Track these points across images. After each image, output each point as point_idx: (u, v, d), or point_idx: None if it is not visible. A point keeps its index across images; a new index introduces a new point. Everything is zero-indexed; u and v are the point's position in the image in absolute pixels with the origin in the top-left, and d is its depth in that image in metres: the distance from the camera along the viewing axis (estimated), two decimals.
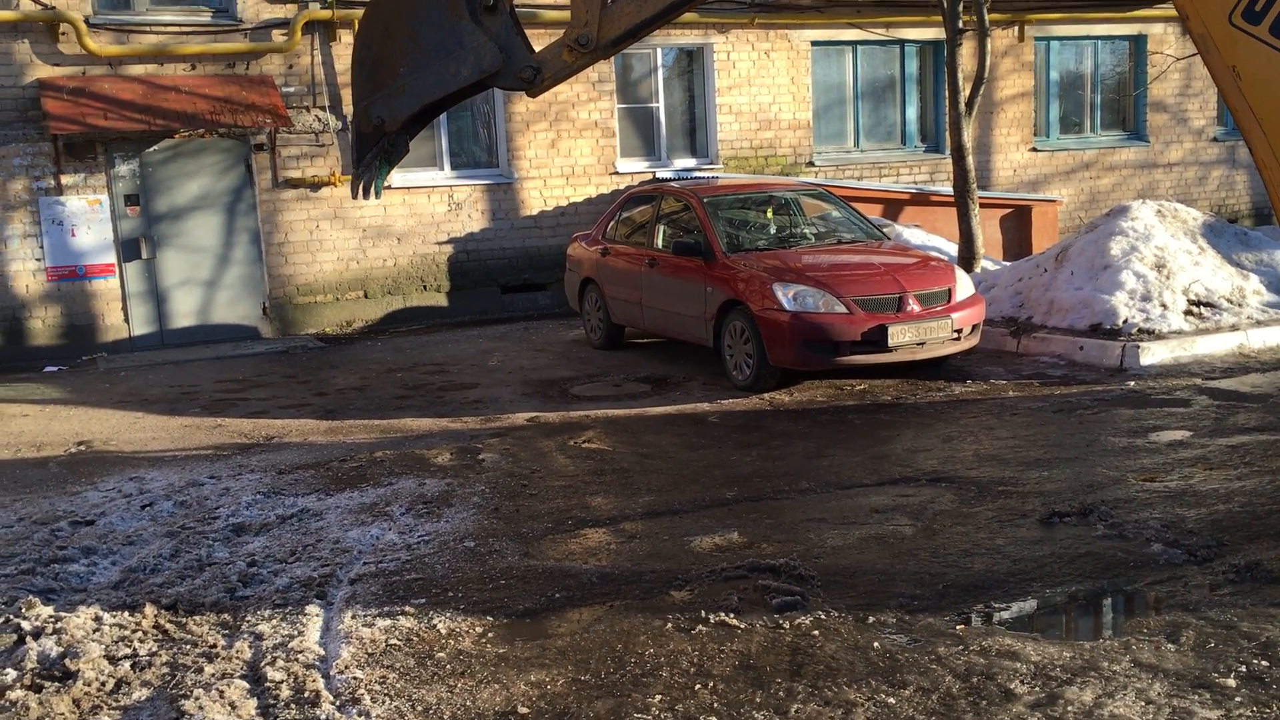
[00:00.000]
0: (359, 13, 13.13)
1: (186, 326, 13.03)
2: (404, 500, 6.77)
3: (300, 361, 11.93)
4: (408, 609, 5.02)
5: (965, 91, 12.13)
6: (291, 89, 13.20)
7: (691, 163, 15.32)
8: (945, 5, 11.89)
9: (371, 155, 5.34)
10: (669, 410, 8.93)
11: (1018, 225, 15.58)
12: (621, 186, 14.67)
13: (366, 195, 5.52)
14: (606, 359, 11.25)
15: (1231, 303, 9.87)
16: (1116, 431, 7.41)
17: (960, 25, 11.93)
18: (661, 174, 14.68)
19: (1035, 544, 5.39)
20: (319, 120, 13.36)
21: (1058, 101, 17.53)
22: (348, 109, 13.41)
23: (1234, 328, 9.59)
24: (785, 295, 8.99)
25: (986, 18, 12.00)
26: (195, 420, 9.36)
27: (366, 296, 13.86)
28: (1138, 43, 17.81)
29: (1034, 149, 17.19)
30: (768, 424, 8.31)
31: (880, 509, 6.12)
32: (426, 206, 14.01)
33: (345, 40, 13.31)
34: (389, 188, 13.71)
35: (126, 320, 12.75)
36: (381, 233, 13.83)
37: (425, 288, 14.11)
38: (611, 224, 11.70)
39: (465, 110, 14.34)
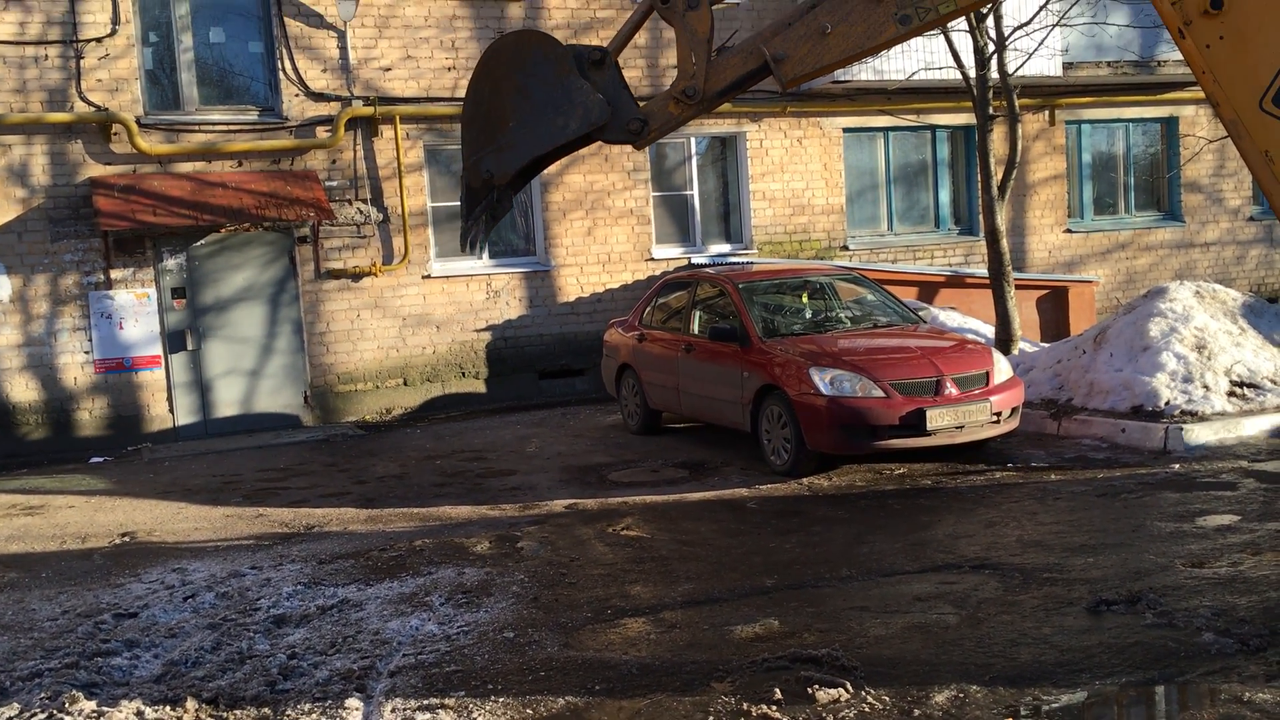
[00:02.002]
0: (402, 108, 13.54)
1: (230, 416, 13.20)
2: (443, 590, 6.77)
3: (340, 449, 12.03)
4: (447, 702, 5.00)
5: (997, 175, 12.22)
6: (334, 183, 13.51)
7: (726, 248, 15.47)
8: (975, 93, 12.05)
9: (480, 209, 5.41)
10: (707, 496, 8.91)
11: (1054, 306, 15.57)
12: (657, 272, 14.82)
13: (474, 249, 5.62)
14: (644, 444, 11.26)
15: (1275, 383, 9.77)
16: (1162, 516, 7.31)
17: (990, 111, 12.06)
18: (696, 260, 14.83)
19: (1083, 633, 5.30)
20: (360, 212, 13.64)
21: (1091, 183, 17.59)
22: (389, 201, 13.72)
23: (1278, 409, 9.47)
24: (822, 380, 9.00)
25: (1016, 104, 12.13)
26: (237, 510, 9.43)
27: (406, 384, 13.99)
28: (1169, 125, 17.90)
29: (1068, 230, 17.22)
30: (806, 509, 8.27)
31: (923, 597, 6.05)
32: (465, 294, 14.21)
33: (386, 135, 13.67)
34: (428, 277, 13.94)
35: (171, 410, 12.95)
36: (421, 321, 14.01)
37: (464, 374, 14.24)
38: (648, 310, 11.81)
39: None
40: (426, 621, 6.21)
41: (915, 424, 8.80)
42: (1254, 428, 9.28)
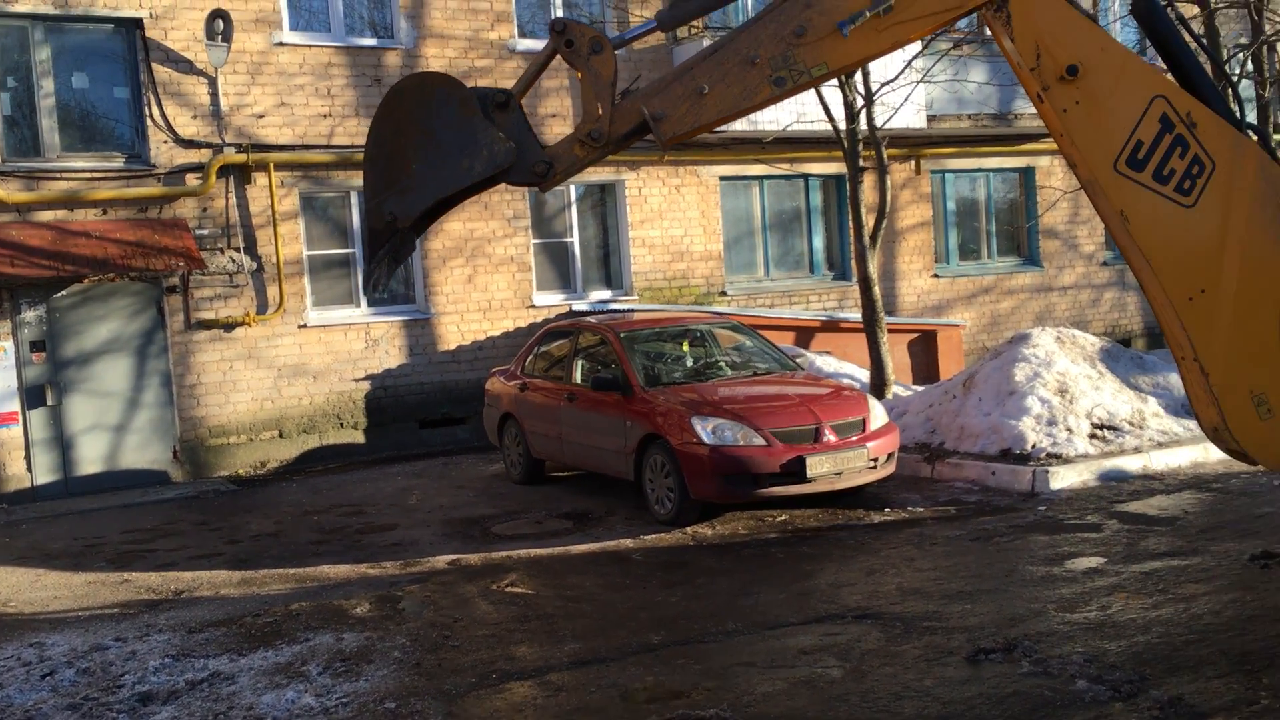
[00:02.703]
0: (276, 155, 13.28)
1: (93, 474, 12.65)
2: (321, 658, 6.58)
3: (212, 507, 11.63)
4: None
5: (869, 224, 12.57)
6: (205, 231, 13.15)
7: (607, 294, 15.53)
8: (846, 145, 12.39)
9: (384, 252, 5.30)
10: (592, 548, 8.87)
11: (924, 349, 16.04)
12: (539, 320, 14.79)
13: (378, 290, 5.51)
14: (527, 494, 11.17)
15: (1133, 425, 10.21)
16: (1033, 560, 7.54)
17: (860, 163, 12.42)
18: (577, 306, 14.85)
19: (963, 684, 5.41)
20: (233, 261, 13.30)
21: (955, 230, 18.23)
22: (263, 249, 13.41)
23: (1137, 450, 9.90)
24: (704, 429, 9.07)
25: (885, 155, 12.51)
26: (100, 575, 9.02)
27: (282, 436, 13.63)
28: (1027, 174, 18.68)
29: (935, 275, 17.78)
30: (691, 560, 8.29)
31: (808, 650, 6.11)
32: (343, 343, 13.94)
33: (260, 183, 13.39)
34: (304, 326, 13.65)
35: (30, 469, 12.35)
36: (297, 371, 13.69)
37: (342, 425, 13.95)
38: (530, 359, 11.76)
39: None
40: (303, 694, 6.02)
41: (796, 471, 8.92)
42: (1115, 469, 9.66)
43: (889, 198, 12.64)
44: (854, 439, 9.26)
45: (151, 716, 5.80)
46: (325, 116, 13.85)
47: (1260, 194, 5.36)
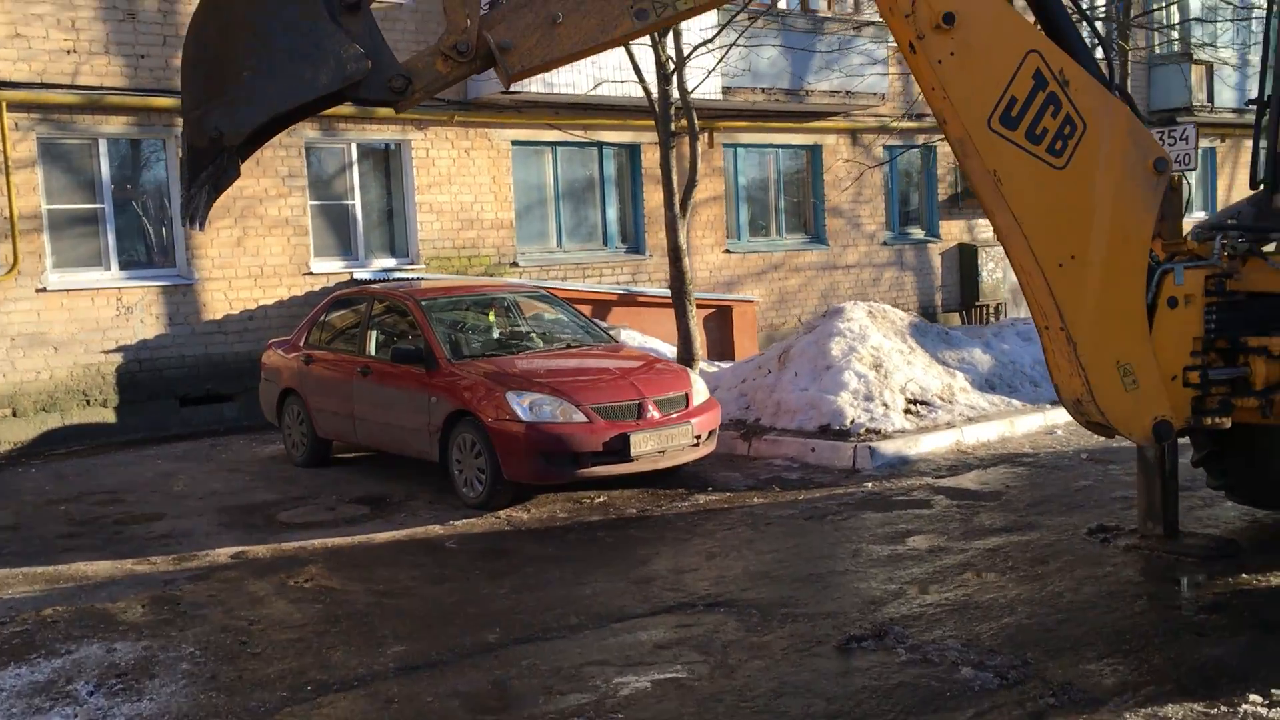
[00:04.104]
0: (9, 94, 11.67)
1: None
2: (90, 673, 5.54)
3: None
4: None
5: (678, 192, 12.16)
6: None
7: (391, 263, 14.50)
8: (658, 109, 11.92)
9: (206, 176, 4.32)
10: (397, 536, 8.04)
11: (720, 325, 15.85)
12: (317, 288, 13.63)
13: (195, 223, 4.45)
14: (313, 478, 10.14)
15: (944, 400, 10.23)
16: (874, 538, 7.28)
17: (673, 129, 11.98)
18: (360, 275, 13.79)
19: (842, 677, 5.00)
20: None
21: (746, 205, 18.16)
22: None
23: (950, 425, 9.92)
24: (520, 404, 8.38)
25: (697, 122, 12.13)
26: None
27: (16, 415, 11.96)
28: (814, 152, 18.82)
29: (727, 251, 17.64)
30: (513, 547, 7.61)
31: (664, 644, 5.57)
32: (90, 311, 12.37)
33: None
34: (43, 290, 12.04)
35: None
36: (35, 341, 12.04)
37: (89, 403, 12.39)
38: (314, 329, 10.70)
39: (135, 202, 12.90)
40: (73, 719, 4.99)
41: (619, 450, 8.38)
42: (931, 444, 9.63)
43: (698, 167, 12.26)
44: (676, 415, 8.80)
45: None
46: (69, 53, 12.20)
47: (1130, 159, 5.22)
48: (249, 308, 13.40)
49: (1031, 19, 5.56)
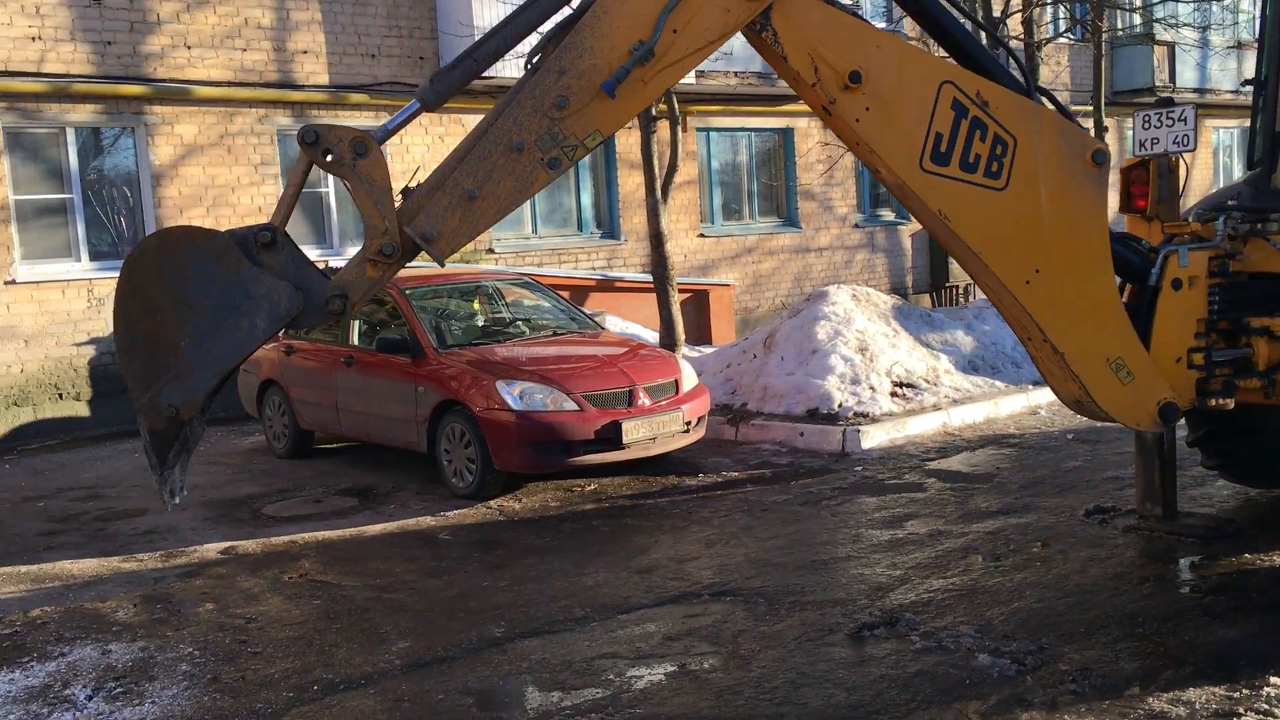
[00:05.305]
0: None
1: None
2: (87, 677, 5.41)
3: None
4: None
5: (660, 177, 12.08)
6: None
7: None
8: None
9: (174, 454, 4.27)
10: (389, 528, 7.93)
11: (696, 309, 15.80)
12: None
13: (175, 498, 4.38)
14: (296, 470, 10.01)
15: (929, 383, 10.24)
16: (871, 523, 7.27)
17: (654, 111, 11.89)
18: (336, 264, 13.53)
19: (859, 666, 4.98)
20: None
21: (720, 189, 18.10)
22: None
23: (936, 407, 9.93)
24: (510, 393, 8.29)
25: (677, 107, 12.04)
26: None
27: None
28: (786, 135, 18.77)
29: (701, 235, 17.58)
30: (508, 538, 7.53)
31: (674, 635, 5.52)
32: (61, 303, 12.11)
33: None
34: (11, 283, 11.78)
35: None
36: (4, 335, 11.78)
37: (61, 396, 12.15)
38: None
39: (104, 191, 12.64)
40: None
41: (611, 438, 8.31)
42: (918, 427, 9.64)
43: (678, 151, 12.17)
44: (666, 402, 8.75)
45: None
46: (34, 40, 11.91)
47: (1066, 157, 5.12)
48: None
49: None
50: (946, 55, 5.26)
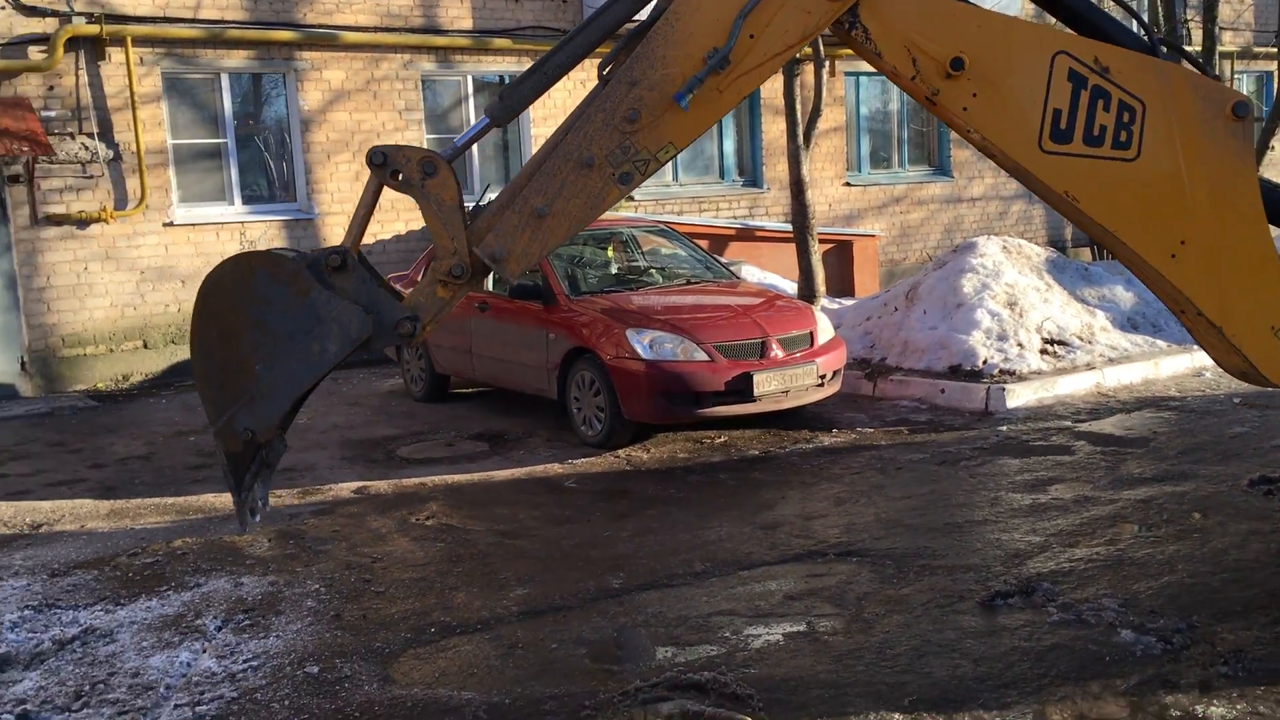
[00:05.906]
0: (134, 29, 11.72)
1: None
2: (219, 608, 5.55)
3: (70, 425, 10.27)
4: None
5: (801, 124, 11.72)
6: (53, 113, 11.51)
7: None
8: None
9: (251, 476, 4.33)
10: (517, 473, 7.95)
11: (839, 260, 15.38)
12: None
13: (255, 517, 4.47)
14: (432, 413, 10.14)
15: (1083, 340, 9.71)
16: (1012, 486, 6.92)
17: (797, 55, 11.50)
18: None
19: (990, 636, 4.71)
20: (86, 149, 11.70)
21: (867, 137, 17.53)
22: (121, 136, 11.86)
23: (1089, 366, 9.41)
24: (640, 342, 8.18)
25: (822, 48, 11.64)
26: None
27: (147, 347, 12.22)
28: None
29: (847, 184, 17.09)
30: (633, 488, 7.45)
31: (795, 594, 5.34)
32: (215, 245, 12.52)
33: (116, 59, 11.77)
34: (170, 225, 12.22)
35: None
36: (163, 275, 12.25)
37: None
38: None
39: (257, 136, 12.97)
40: (201, 655, 5.00)
41: (742, 389, 8.13)
42: (1069, 386, 9.15)
43: (822, 97, 11.79)
44: (799, 355, 8.50)
45: (12, 686, 4.72)
46: None
47: (1202, 115, 4.58)
48: (367, 242, 13.37)
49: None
50: (1058, 24, 4.83)
